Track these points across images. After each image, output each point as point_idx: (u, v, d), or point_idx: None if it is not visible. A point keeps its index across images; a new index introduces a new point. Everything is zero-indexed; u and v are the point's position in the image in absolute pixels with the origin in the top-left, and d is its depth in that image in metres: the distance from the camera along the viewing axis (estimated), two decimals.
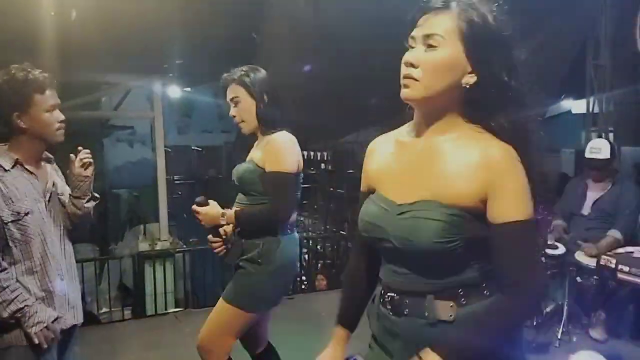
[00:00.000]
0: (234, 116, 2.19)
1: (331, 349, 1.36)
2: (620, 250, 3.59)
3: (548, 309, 3.98)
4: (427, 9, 1.13)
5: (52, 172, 2.03)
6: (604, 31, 5.25)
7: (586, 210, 4.00)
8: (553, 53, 5.15)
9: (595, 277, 3.59)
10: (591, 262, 3.63)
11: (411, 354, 1.15)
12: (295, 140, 2.16)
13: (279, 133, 2.13)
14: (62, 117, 1.94)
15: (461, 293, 1.16)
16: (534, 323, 3.76)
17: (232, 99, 2.18)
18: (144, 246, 5.33)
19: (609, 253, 3.58)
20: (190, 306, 5.38)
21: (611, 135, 5.23)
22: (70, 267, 2.00)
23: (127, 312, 5.36)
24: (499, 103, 1.14)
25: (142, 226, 6.76)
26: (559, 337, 3.68)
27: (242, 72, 2.17)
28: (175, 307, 5.21)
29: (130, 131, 11.29)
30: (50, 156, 2.07)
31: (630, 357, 3.42)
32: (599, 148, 3.92)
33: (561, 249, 3.86)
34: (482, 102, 1.14)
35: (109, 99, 7.18)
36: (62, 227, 1.98)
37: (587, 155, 3.96)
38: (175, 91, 6.90)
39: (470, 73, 1.12)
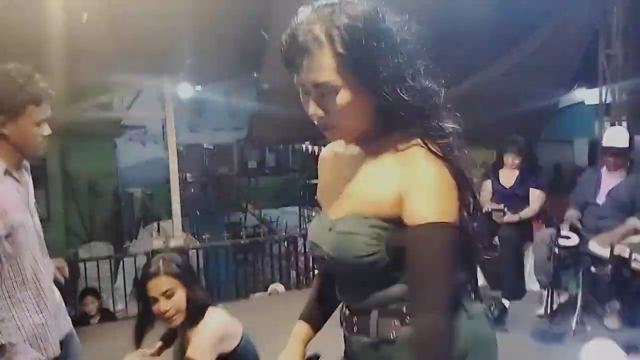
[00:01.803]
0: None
1: (289, 346, 1.31)
2: (635, 239, 3.57)
3: (562, 299, 3.97)
4: (300, 51, 1.01)
5: (29, 181, 1.88)
6: (616, 20, 5.19)
7: (600, 199, 3.97)
8: (565, 43, 5.10)
9: (609, 266, 3.57)
10: (605, 252, 3.61)
11: None
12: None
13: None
14: (48, 132, 1.78)
15: (404, 311, 1.09)
16: (547, 312, 3.75)
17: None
18: (157, 243, 5.39)
19: (622, 242, 3.56)
20: None
21: (624, 124, 5.18)
22: (51, 277, 1.91)
23: None
24: (404, 111, 1.05)
25: (155, 224, 6.83)
26: (573, 326, 3.67)
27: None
28: None
29: (143, 130, 11.39)
30: (27, 164, 1.89)
31: None
32: (617, 136, 3.89)
33: (574, 239, 3.84)
34: (389, 112, 1.06)
35: (121, 99, 7.25)
36: (41, 238, 1.86)
37: (605, 143, 3.93)
38: (186, 90, 6.93)
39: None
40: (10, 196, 1.70)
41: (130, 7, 4.09)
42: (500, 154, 4.77)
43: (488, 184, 4.76)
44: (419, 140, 1.06)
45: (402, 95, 1.03)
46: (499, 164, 4.77)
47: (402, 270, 1.05)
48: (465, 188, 1.06)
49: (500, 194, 4.64)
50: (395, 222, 1.04)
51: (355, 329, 1.16)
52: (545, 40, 4.90)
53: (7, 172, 1.71)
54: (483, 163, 5.71)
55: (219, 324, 1.98)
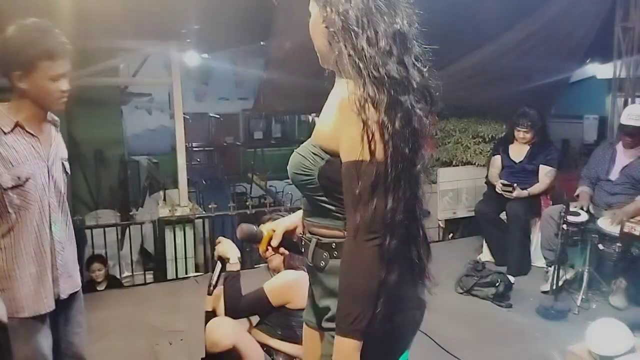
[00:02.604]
0: None
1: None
2: None
3: (568, 276, 3.97)
4: None
5: (56, 136, 1.91)
6: None
7: (614, 175, 3.93)
8: (579, 15, 4.95)
9: (618, 244, 3.55)
10: (614, 230, 3.58)
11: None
12: None
13: None
14: (66, 87, 1.80)
15: (333, 246, 1.28)
16: (552, 289, 3.75)
17: None
18: (164, 212, 5.39)
19: (632, 220, 3.53)
20: (209, 270, 5.48)
21: (638, 100, 5.07)
22: (70, 235, 1.94)
23: (149, 276, 5.47)
24: (354, 52, 1.19)
25: (162, 192, 6.82)
26: (578, 304, 3.67)
27: None
28: (195, 272, 5.30)
29: (149, 98, 11.31)
30: (56, 118, 1.94)
31: None
32: (637, 115, 3.81)
33: (583, 216, 3.81)
34: (342, 54, 1.21)
35: (127, 65, 7.15)
36: (62, 194, 1.89)
37: (624, 121, 3.85)
38: (192, 58, 6.83)
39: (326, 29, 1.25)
40: (20, 149, 1.74)
41: None
42: (510, 128, 4.70)
43: (497, 159, 4.71)
44: (359, 88, 1.17)
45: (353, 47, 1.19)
46: (509, 138, 4.71)
47: (335, 206, 1.27)
48: (395, 129, 1.16)
49: (509, 169, 4.59)
50: (335, 157, 1.22)
51: (304, 250, 1.39)
52: (559, 11, 4.75)
53: (17, 125, 1.74)
54: (492, 138, 5.66)
55: (294, 280, 2.22)
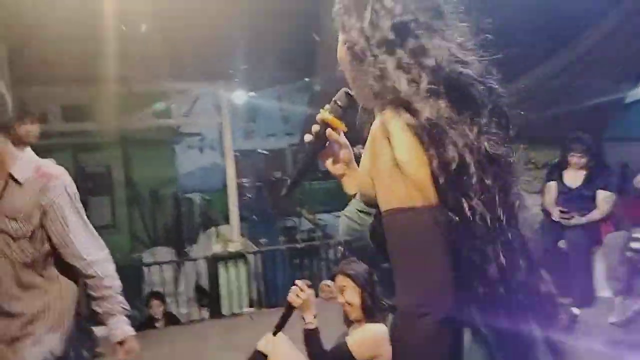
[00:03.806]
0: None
1: None
2: None
3: (636, 307, 3.74)
4: None
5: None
6: None
7: None
8: (631, 34, 4.81)
9: None
10: None
11: None
12: None
13: None
14: None
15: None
16: (621, 320, 3.55)
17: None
18: (217, 248, 5.50)
19: None
20: (263, 306, 5.51)
21: None
22: None
23: (205, 313, 5.56)
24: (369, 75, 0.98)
25: (214, 229, 6.98)
26: None
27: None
28: (250, 307, 5.35)
29: (200, 137, 11.71)
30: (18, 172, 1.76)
31: None
32: None
33: None
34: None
35: (178, 106, 7.47)
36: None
37: None
38: (240, 96, 7.07)
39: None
40: None
41: (186, 16, 4.20)
42: (564, 153, 4.56)
43: (552, 186, 4.57)
44: (385, 113, 0.93)
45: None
46: (563, 164, 4.57)
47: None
48: (440, 165, 0.89)
49: (565, 195, 4.44)
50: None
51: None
52: (610, 31, 4.64)
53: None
54: (545, 163, 5.49)
55: (381, 333, 2.09)
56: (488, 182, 0.91)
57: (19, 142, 3.41)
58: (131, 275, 6.79)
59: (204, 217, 8.61)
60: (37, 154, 3.53)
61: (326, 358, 2.19)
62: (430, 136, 0.88)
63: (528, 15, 4.27)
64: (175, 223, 8.22)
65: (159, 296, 4.95)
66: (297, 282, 2.32)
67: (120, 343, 1.78)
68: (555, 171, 4.64)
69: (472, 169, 0.89)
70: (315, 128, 1.19)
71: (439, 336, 0.86)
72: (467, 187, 0.88)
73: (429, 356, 0.87)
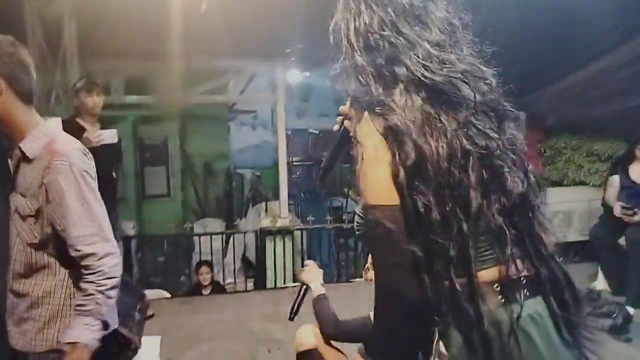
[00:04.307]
0: None
1: None
2: None
3: None
4: None
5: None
6: None
7: None
8: None
9: None
10: None
11: None
12: None
13: None
14: None
15: None
16: None
17: None
18: (265, 222, 5.61)
19: None
20: None
21: None
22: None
23: (250, 284, 5.70)
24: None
25: (264, 204, 7.12)
26: None
27: None
28: (293, 282, 5.44)
29: (253, 115, 11.90)
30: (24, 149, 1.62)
31: None
32: None
33: None
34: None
35: (234, 84, 7.60)
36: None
37: None
38: (295, 75, 7.09)
39: None
40: None
41: None
42: (630, 146, 4.33)
43: (615, 180, 4.35)
44: (363, 114, 1.01)
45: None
46: (629, 157, 4.33)
47: None
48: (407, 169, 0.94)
49: (629, 190, 4.21)
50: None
51: None
52: None
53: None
54: (609, 156, 5.24)
55: None
56: (464, 177, 0.95)
57: (86, 113, 3.60)
58: (182, 244, 7.07)
59: (254, 192, 8.80)
60: (102, 126, 3.68)
61: (346, 326, 2.19)
62: (395, 138, 0.95)
63: (596, 6, 4.04)
64: (226, 196, 8.43)
65: (208, 264, 5.11)
66: (307, 261, 2.42)
67: (71, 346, 1.46)
68: (620, 164, 4.41)
69: (433, 167, 0.94)
70: (339, 119, 1.27)
71: (410, 316, 0.96)
72: (424, 185, 0.94)
73: (400, 332, 0.98)
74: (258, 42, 5.16)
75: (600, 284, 4.36)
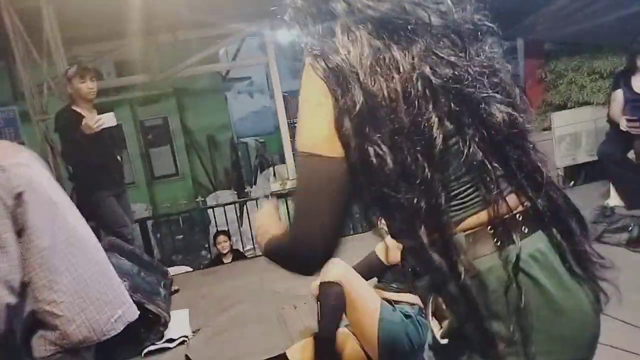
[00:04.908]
0: None
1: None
2: None
3: None
4: None
5: None
6: None
7: None
8: None
9: None
10: None
11: None
12: None
13: None
14: None
15: None
16: None
17: None
18: (275, 187, 5.66)
19: None
20: None
21: None
22: None
23: None
24: None
25: (271, 169, 7.16)
26: None
27: None
28: None
29: (249, 82, 11.78)
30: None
31: None
32: None
33: None
34: None
35: (225, 51, 7.50)
36: None
37: None
38: (284, 35, 6.97)
39: None
40: None
41: None
42: (631, 57, 4.24)
43: (619, 94, 4.29)
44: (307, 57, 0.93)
45: None
46: (631, 69, 4.25)
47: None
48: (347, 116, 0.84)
49: (634, 103, 4.16)
50: None
51: None
52: None
53: None
54: (611, 72, 5.14)
55: None
56: (424, 116, 0.83)
57: (81, 99, 3.58)
58: (198, 220, 7.17)
59: (260, 158, 8.83)
60: (98, 112, 3.66)
61: (356, 269, 2.30)
62: (337, 82, 0.84)
63: None
64: (233, 166, 8.48)
65: (225, 232, 5.18)
66: None
67: None
68: (622, 78, 4.33)
69: (385, 110, 0.83)
70: None
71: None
72: (375, 132, 0.83)
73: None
74: (242, 4, 5.07)
75: (613, 200, 4.36)
